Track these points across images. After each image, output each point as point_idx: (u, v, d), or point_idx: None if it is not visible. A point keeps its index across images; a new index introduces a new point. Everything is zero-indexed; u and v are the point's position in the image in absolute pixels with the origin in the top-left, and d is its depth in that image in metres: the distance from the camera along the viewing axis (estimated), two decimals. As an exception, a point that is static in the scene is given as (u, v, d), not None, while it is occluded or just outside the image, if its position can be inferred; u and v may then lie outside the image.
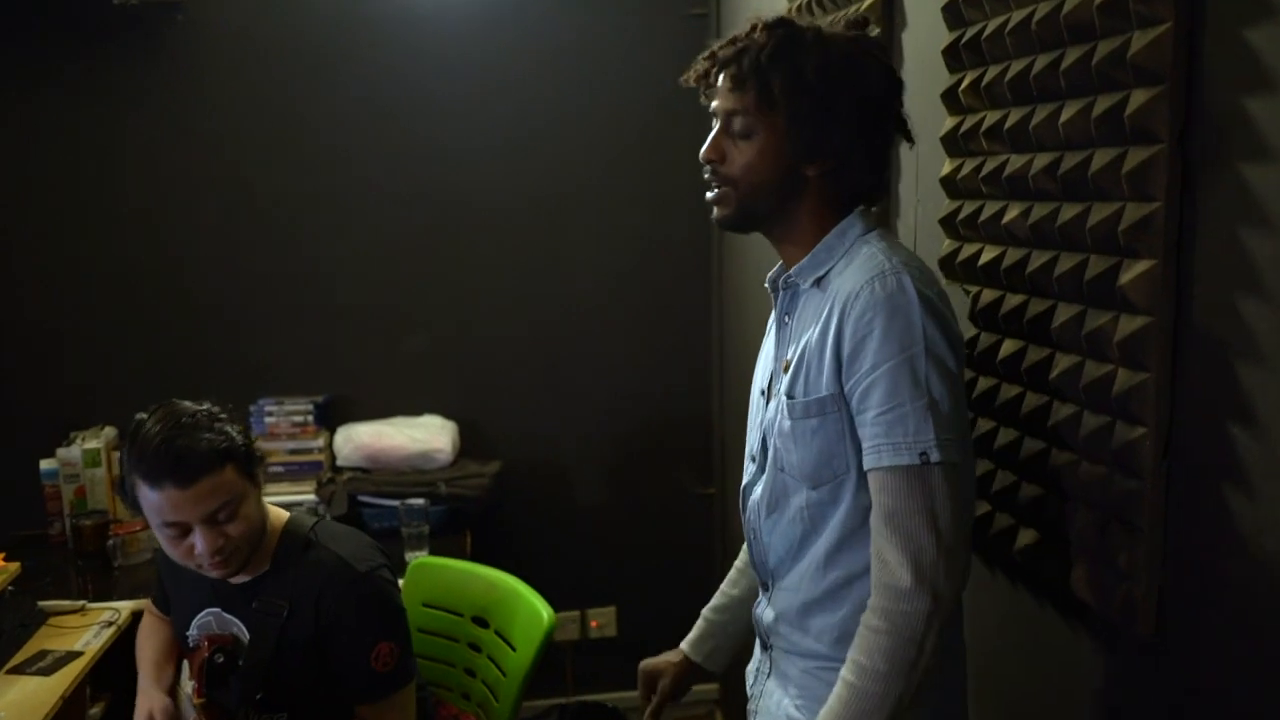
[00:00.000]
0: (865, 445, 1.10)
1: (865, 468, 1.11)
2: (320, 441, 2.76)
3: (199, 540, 1.47)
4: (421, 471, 2.69)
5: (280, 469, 2.71)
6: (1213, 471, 0.94)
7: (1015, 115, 1.22)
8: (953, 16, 1.36)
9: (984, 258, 1.31)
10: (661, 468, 3.07)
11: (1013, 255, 1.24)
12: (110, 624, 2.06)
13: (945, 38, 1.39)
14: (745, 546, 1.38)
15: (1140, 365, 1.01)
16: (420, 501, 2.46)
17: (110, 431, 2.64)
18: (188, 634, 1.65)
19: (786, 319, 1.25)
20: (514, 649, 1.88)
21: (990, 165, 1.28)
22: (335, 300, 2.86)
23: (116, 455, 2.17)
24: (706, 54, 1.21)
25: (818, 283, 1.19)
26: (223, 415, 1.52)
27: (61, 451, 2.55)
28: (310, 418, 2.77)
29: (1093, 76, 1.05)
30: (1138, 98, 0.99)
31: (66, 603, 2.14)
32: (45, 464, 2.54)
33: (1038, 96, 1.17)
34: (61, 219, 2.73)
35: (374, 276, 2.86)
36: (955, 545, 1.07)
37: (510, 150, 2.85)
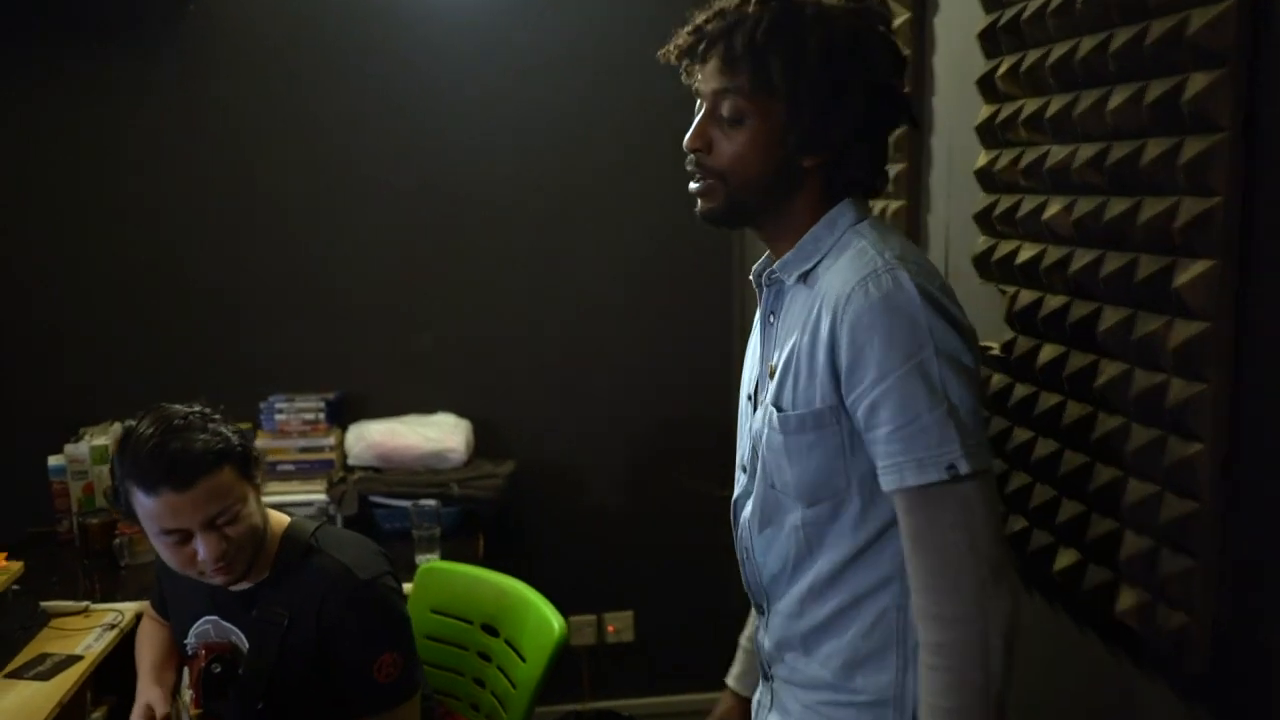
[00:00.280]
0: (881, 464, 1.01)
1: (885, 488, 1.01)
2: (331, 439, 2.71)
3: (201, 546, 1.43)
4: (435, 471, 2.65)
5: (291, 467, 2.66)
6: (1278, 494, 0.86)
7: (1058, 103, 1.18)
8: (989, -2, 1.31)
9: (1022, 256, 1.27)
10: (678, 469, 3.01)
11: (1054, 254, 1.20)
12: (113, 626, 2.03)
13: (981, 21, 1.35)
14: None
15: (1197, 375, 0.96)
16: (432, 503, 2.42)
17: (119, 428, 2.60)
18: (186, 642, 1.62)
19: (772, 318, 1.16)
20: (524, 659, 1.83)
21: (1030, 156, 1.24)
22: (347, 296, 2.82)
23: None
24: (690, 27, 1.09)
25: (804, 278, 1.10)
26: (216, 416, 1.47)
27: (69, 448, 2.53)
28: (321, 415, 2.73)
29: (1145, 59, 1.00)
30: (1197, 82, 0.94)
31: (69, 604, 2.11)
32: (53, 460, 2.53)
33: (1083, 82, 1.13)
34: (68, 215, 2.70)
35: (386, 272, 2.82)
36: (997, 556, 0.99)
37: (524, 146, 2.81)
